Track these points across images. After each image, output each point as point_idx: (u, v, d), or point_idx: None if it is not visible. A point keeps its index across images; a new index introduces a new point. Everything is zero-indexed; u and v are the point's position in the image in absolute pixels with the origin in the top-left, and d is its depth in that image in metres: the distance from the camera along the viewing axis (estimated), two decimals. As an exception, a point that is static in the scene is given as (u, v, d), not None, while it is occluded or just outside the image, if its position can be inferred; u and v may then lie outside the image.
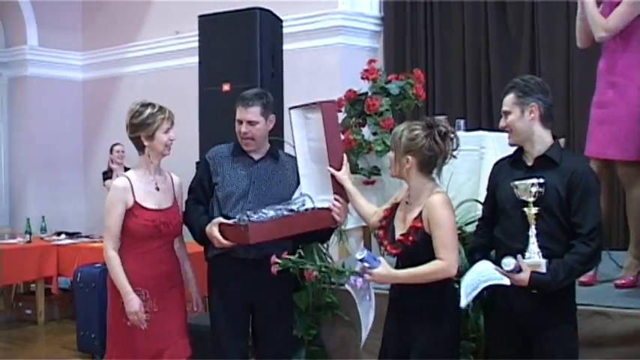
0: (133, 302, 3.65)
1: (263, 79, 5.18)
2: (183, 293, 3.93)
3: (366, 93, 5.37)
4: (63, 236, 8.41)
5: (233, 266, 3.72)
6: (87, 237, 8.39)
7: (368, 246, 5.29)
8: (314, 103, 3.68)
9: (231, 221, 3.61)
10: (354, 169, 5.12)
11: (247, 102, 3.72)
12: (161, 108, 3.78)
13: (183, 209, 3.89)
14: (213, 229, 3.65)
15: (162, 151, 3.78)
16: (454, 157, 3.30)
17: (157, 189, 3.81)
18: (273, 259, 3.34)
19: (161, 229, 3.76)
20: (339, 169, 3.66)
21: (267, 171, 3.83)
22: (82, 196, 10.52)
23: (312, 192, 3.74)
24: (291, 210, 3.63)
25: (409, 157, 3.26)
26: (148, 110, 3.74)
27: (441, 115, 4.81)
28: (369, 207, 3.64)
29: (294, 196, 3.74)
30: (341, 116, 5.37)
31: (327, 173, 3.65)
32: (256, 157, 3.84)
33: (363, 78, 5.46)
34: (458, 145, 3.30)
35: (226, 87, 5.10)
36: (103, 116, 10.26)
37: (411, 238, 3.23)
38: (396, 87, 5.30)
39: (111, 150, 8.72)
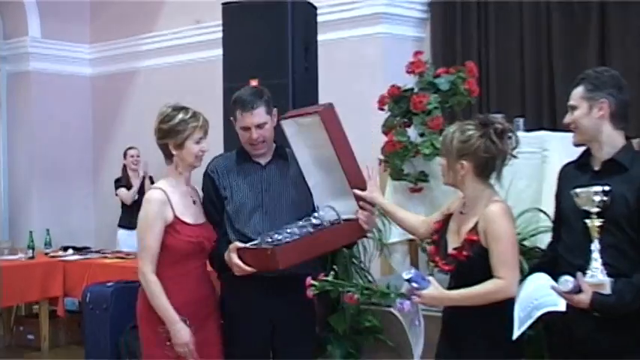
0: (183, 332, 3.63)
1: (295, 75, 5.24)
2: (219, 322, 3.92)
3: (412, 89, 5.38)
4: (70, 251, 8.39)
5: (253, 286, 3.74)
6: (97, 252, 8.36)
7: (415, 262, 5.33)
8: (307, 113, 3.72)
9: (249, 244, 3.63)
10: (398, 175, 5.24)
11: (250, 104, 3.73)
12: (195, 114, 3.76)
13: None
14: (231, 256, 3.66)
15: (192, 163, 3.78)
16: (514, 156, 3.31)
17: (194, 202, 3.84)
18: (309, 281, 3.36)
19: (205, 245, 3.77)
20: (363, 188, 3.69)
21: (278, 174, 3.87)
22: (91, 207, 10.56)
23: (329, 200, 3.77)
24: (316, 225, 3.66)
25: (463, 162, 3.28)
26: (180, 115, 3.72)
27: (496, 114, 4.61)
28: (414, 218, 3.68)
29: (318, 210, 3.75)
30: (383, 116, 5.45)
31: (338, 176, 3.67)
32: (263, 161, 3.88)
33: (408, 72, 5.47)
34: (518, 144, 3.30)
35: (254, 83, 5.01)
36: (114, 116, 10.33)
37: (465, 252, 3.23)
38: (446, 82, 5.31)
39: (124, 155, 8.85)
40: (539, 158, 4.89)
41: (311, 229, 3.59)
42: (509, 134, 3.28)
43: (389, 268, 5.63)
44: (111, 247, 8.67)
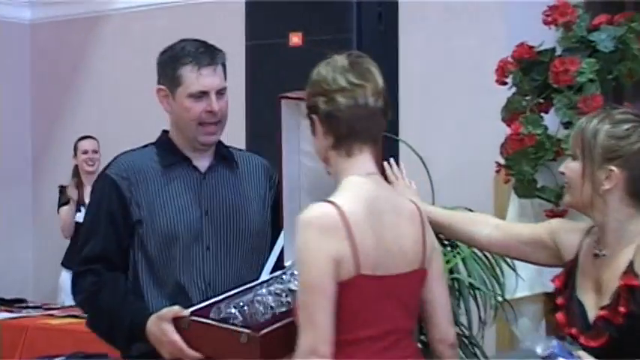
0: None
1: (362, 27, 4.84)
2: None
3: (553, 49, 4.90)
4: None
5: None
6: (38, 307, 7.57)
7: (552, 327, 4.82)
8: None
9: (192, 309, 3.31)
10: (527, 190, 4.81)
11: (209, 57, 3.56)
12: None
13: (74, 276, 3.59)
14: (164, 329, 3.26)
15: None
16: None
17: None
18: None
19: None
20: None
21: (225, 186, 3.66)
22: (28, 235, 9.51)
23: None
24: (295, 292, 3.29)
25: (613, 169, 3.07)
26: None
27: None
28: (491, 223, 3.43)
29: (287, 265, 3.49)
30: (503, 94, 4.96)
31: None
32: (203, 164, 3.62)
33: (546, 23, 4.96)
34: None
35: (295, 38, 4.81)
36: (66, 87, 9.32)
37: (622, 309, 2.99)
38: (609, 38, 4.88)
39: (75, 149, 8.06)
40: None
41: (290, 300, 3.28)
42: None
43: (511, 340, 5.33)
44: (54, 299, 8.04)
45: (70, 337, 6.38)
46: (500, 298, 4.60)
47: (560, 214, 4.60)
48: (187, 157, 3.58)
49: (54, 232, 8.35)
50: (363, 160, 3.11)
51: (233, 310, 3.25)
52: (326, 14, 4.89)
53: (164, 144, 3.62)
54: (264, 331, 3.16)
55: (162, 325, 3.27)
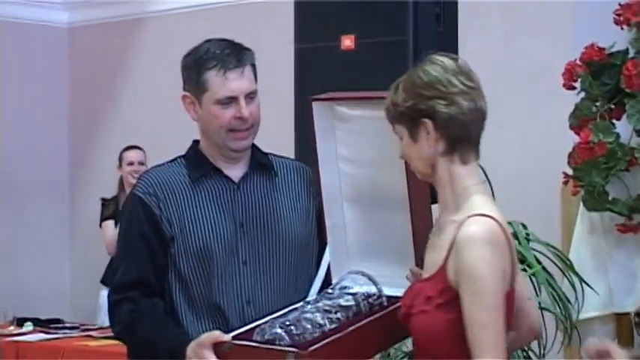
0: None
1: (419, 29, 4.83)
2: None
3: (625, 51, 4.88)
4: (29, 326, 7.51)
5: None
6: (74, 328, 7.48)
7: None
8: (367, 98, 3.50)
9: (234, 333, 3.27)
10: (598, 202, 4.81)
11: (236, 59, 3.46)
12: None
13: (111, 305, 3.54)
14: (204, 354, 3.21)
15: None
16: None
17: None
18: None
19: None
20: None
21: (261, 198, 3.58)
22: (65, 250, 9.44)
23: (360, 258, 3.55)
24: (348, 308, 3.36)
25: None
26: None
27: None
28: None
29: (334, 281, 3.50)
30: (571, 99, 4.95)
31: (393, 222, 3.48)
32: (236, 174, 3.53)
33: (618, 23, 4.95)
34: None
35: (348, 42, 4.81)
36: (105, 92, 9.55)
37: None
38: None
39: (120, 160, 7.98)
40: None
41: (340, 316, 3.30)
42: None
43: None
44: (93, 320, 7.96)
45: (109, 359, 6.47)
46: (569, 318, 4.61)
47: (634, 229, 4.70)
48: (218, 168, 3.51)
49: (93, 247, 8.35)
50: (476, 167, 3.11)
51: (279, 331, 3.18)
52: (380, 15, 4.86)
53: (193, 156, 3.57)
54: (312, 348, 3.10)
55: (202, 351, 3.21)
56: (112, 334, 6.93)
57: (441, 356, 3.12)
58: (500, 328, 3.00)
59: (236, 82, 3.40)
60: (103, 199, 8.13)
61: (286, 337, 3.13)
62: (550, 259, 4.61)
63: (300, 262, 3.54)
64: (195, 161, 3.50)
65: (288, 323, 3.19)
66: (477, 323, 2.92)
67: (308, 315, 3.24)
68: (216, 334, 3.17)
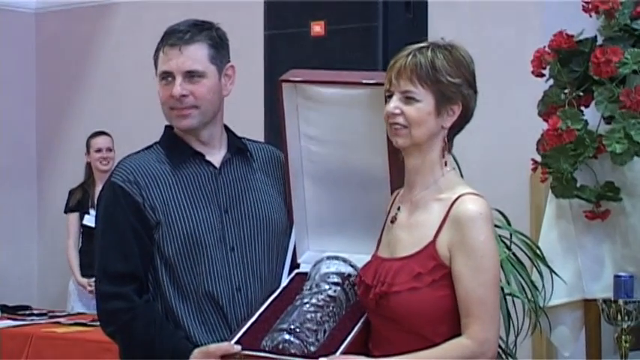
0: None
1: (389, 16, 5.01)
2: None
3: (594, 39, 4.88)
4: None
5: None
6: (43, 315, 7.50)
7: (596, 338, 4.96)
8: (342, 82, 3.55)
9: (238, 335, 3.31)
10: (566, 189, 4.82)
11: (181, 35, 3.47)
12: None
13: (100, 295, 3.55)
14: None
15: None
16: None
17: None
18: None
19: None
20: None
21: (243, 182, 3.63)
22: (33, 237, 9.47)
23: (328, 237, 3.62)
24: (335, 299, 3.39)
25: None
26: None
27: None
28: None
29: (301, 258, 3.62)
30: (540, 86, 5.00)
31: (368, 200, 3.53)
32: (216, 158, 3.56)
33: (586, 10, 4.95)
34: None
35: (317, 28, 4.97)
36: (72, 77, 9.33)
37: None
38: None
39: (87, 146, 7.97)
40: None
41: (331, 308, 3.35)
42: None
43: (549, 350, 5.40)
44: (61, 306, 7.96)
45: (77, 346, 6.41)
46: (537, 305, 4.67)
47: (601, 215, 4.72)
48: (198, 152, 3.51)
49: (60, 234, 8.35)
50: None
51: (287, 337, 3.21)
52: (350, 2, 4.94)
53: (169, 141, 3.56)
54: (331, 354, 3.15)
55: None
56: (80, 320, 6.89)
57: (426, 333, 3.21)
58: (497, 304, 3.16)
59: (173, 60, 3.42)
60: (70, 191, 8.15)
61: (296, 341, 3.18)
62: (518, 246, 4.61)
63: (282, 246, 3.57)
64: (174, 146, 3.50)
65: (292, 327, 3.21)
66: (476, 298, 3.07)
67: (309, 315, 3.26)
68: (226, 346, 3.21)
